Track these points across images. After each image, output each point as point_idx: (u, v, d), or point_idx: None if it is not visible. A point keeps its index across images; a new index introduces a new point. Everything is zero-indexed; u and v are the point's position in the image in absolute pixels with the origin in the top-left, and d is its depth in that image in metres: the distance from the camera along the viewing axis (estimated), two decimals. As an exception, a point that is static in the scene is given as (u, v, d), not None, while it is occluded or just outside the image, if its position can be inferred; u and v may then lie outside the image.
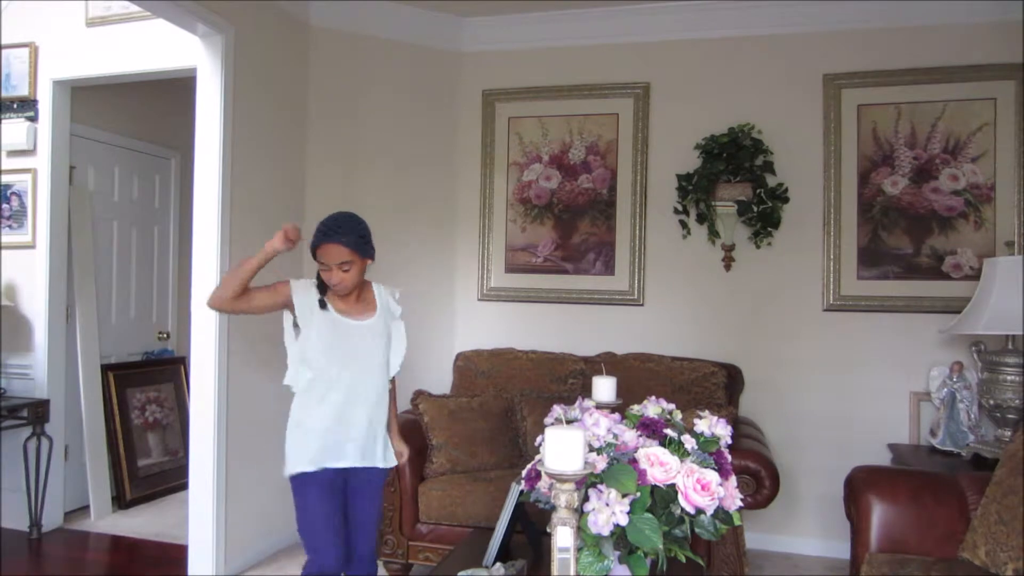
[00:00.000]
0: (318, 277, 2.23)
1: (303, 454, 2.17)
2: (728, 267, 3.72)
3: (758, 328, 3.71)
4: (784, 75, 3.70)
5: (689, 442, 1.69)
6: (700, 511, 1.58)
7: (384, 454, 2.31)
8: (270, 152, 3.52)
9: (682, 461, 1.61)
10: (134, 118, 4.55)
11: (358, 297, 2.27)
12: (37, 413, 3.63)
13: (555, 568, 1.47)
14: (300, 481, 2.17)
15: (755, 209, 3.58)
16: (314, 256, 2.17)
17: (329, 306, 2.21)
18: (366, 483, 2.27)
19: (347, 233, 2.13)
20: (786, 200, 3.61)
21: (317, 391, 2.19)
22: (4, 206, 3.88)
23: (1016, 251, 3.35)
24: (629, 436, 1.68)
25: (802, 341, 3.66)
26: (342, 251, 2.13)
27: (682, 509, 1.57)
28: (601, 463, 1.58)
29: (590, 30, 3.91)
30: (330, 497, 2.18)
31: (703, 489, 1.56)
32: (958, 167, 3.49)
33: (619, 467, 1.56)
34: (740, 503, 1.68)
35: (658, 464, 1.58)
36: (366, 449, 2.24)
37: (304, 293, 2.21)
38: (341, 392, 2.19)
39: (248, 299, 2.17)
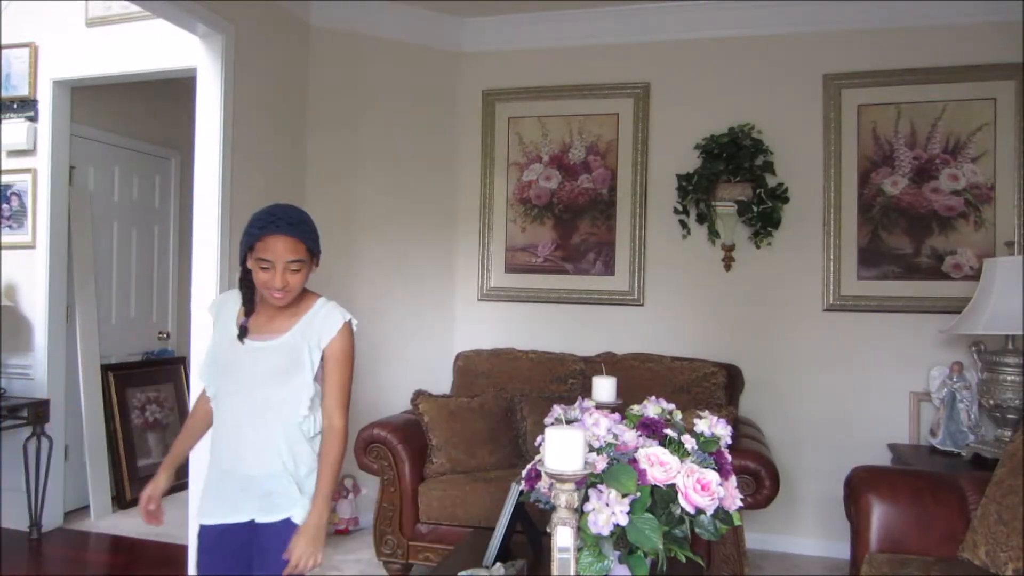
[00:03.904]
0: (243, 285, 1.80)
1: (202, 500, 1.82)
2: (728, 267, 3.72)
3: (758, 328, 3.71)
4: (784, 75, 3.70)
5: (689, 442, 1.69)
6: (700, 511, 1.58)
7: (306, 505, 1.76)
8: (270, 152, 3.53)
9: (682, 461, 1.61)
10: (134, 118, 4.55)
11: (287, 308, 1.80)
12: (37, 413, 3.63)
13: (555, 568, 1.47)
14: (198, 536, 1.81)
15: (755, 209, 3.58)
16: (246, 256, 1.75)
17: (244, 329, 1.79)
18: (273, 542, 1.71)
19: (299, 224, 1.72)
20: (786, 200, 3.61)
21: (215, 417, 1.82)
22: (4, 206, 3.88)
23: (1016, 251, 3.35)
24: (629, 436, 1.68)
25: (802, 341, 3.66)
26: (296, 246, 1.70)
27: (682, 509, 1.57)
28: (601, 463, 1.58)
29: (590, 30, 3.92)
30: (223, 560, 1.78)
31: (703, 489, 1.56)
32: (958, 167, 3.49)
33: (619, 467, 1.56)
34: (740, 503, 1.68)
35: (658, 464, 1.58)
36: (269, 501, 1.74)
37: (224, 302, 1.88)
38: (232, 424, 1.77)
39: None
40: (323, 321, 1.78)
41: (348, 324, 1.80)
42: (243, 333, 1.77)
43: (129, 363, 4.44)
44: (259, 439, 1.74)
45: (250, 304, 1.80)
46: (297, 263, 1.71)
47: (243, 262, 1.78)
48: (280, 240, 1.68)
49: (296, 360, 1.75)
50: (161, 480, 1.84)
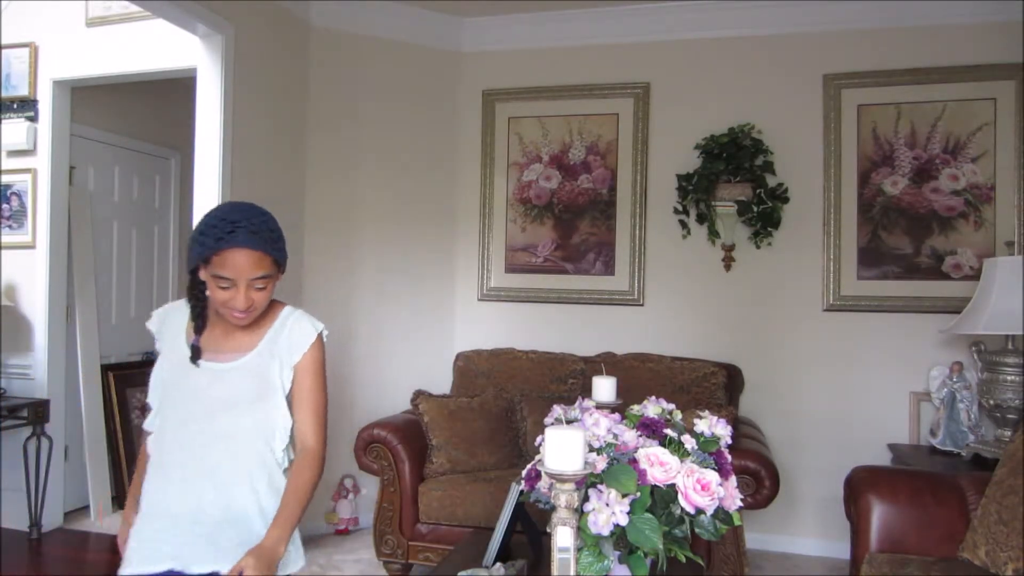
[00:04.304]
0: (192, 297, 1.54)
1: (132, 549, 1.49)
2: (728, 267, 3.73)
3: (758, 328, 3.71)
4: (784, 75, 3.70)
5: (689, 442, 1.69)
6: (700, 511, 1.58)
7: (297, 555, 1.57)
8: (270, 152, 3.53)
9: (682, 461, 1.61)
10: (134, 118, 4.55)
11: (248, 325, 1.55)
12: (37, 413, 3.63)
13: (555, 568, 1.47)
14: None
15: (755, 209, 3.58)
16: (197, 269, 1.48)
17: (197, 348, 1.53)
18: None
19: (264, 232, 1.45)
20: (786, 200, 3.61)
21: (158, 450, 1.54)
22: (4, 206, 3.88)
23: (1016, 251, 3.35)
24: (629, 436, 1.68)
25: (802, 341, 3.66)
26: (261, 260, 1.44)
27: (682, 509, 1.57)
28: (601, 463, 1.58)
29: (590, 30, 3.92)
30: None
31: (703, 489, 1.56)
32: (958, 167, 3.49)
33: (619, 467, 1.56)
34: (740, 503, 1.68)
35: (658, 464, 1.58)
36: (228, 548, 1.46)
37: (168, 315, 1.62)
38: (187, 459, 1.49)
39: None
40: (291, 334, 1.56)
41: (320, 336, 1.59)
42: (196, 355, 1.51)
43: (129, 363, 4.44)
44: (226, 476, 1.48)
45: (201, 320, 1.54)
46: (263, 279, 1.46)
47: (193, 271, 1.49)
48: (242, 255, 1.41)
49: (265, 382, 1.53)
50: (132, 523, 1.55)
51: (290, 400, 1.56)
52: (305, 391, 1.56)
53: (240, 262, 1.42)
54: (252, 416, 1.52)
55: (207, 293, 1.50)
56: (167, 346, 1.59)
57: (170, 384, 1.55)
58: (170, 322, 1.61)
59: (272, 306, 1.60)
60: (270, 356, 1.55)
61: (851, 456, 3.20)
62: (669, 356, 3.59)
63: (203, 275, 1.47)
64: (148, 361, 4.59)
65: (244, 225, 1.42)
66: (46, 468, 3.65)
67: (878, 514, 2.26)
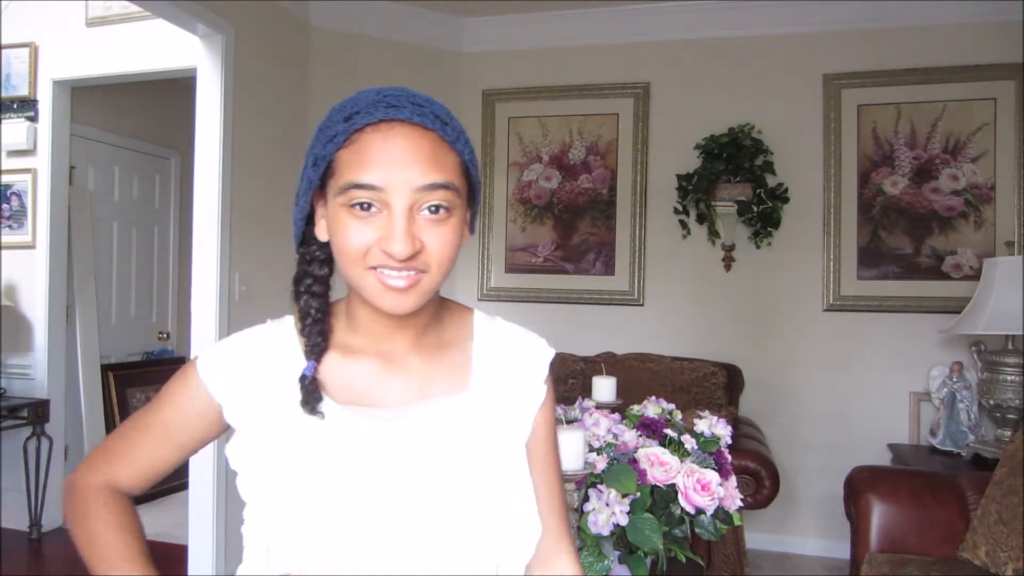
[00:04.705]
0: (306, 289, 0.85)
1: None
2: (728, 267, 3.73)
3: (758, 328, 3.71)
4: (784, 75, 3.70)
5: (689, 442, 1.69)
6: (700, 511, 1.58)
7: None
8: (270, 152, 3.52)
9: (682, 461, 1.61)
10: (134, 118, 4.55)
11: (424, 333, 0.88)
12: (37, 413, 3.63)
13: (555, 568, 1.47)
14: None
15: (755, 209, 3.58)
16: (311, 218, 0.84)
17: (322, 391, 0.81)
18: None
19: (441, 113, 0.78)
20: (786, 200, 3.61)
21: None
22: (4, 206, 3.88)
23: (1016, 251, 3.35)
24: (629, 436, 1.68)
25: (802, 341, 3.66)
26: (437, 153, 0.75)
27: (682, 509, 1.57)
28: (601, 463, 1.58)
29: (590, 30, 3.92)
30: None
31: (703, 489, 1.56)
32: (958, 167, 3.49)
33: (619, 467, 1.56)
34: (740, 503, 1.68)
35: (658, 464, 1.58)
36: None
37: (225, 359, 0.85)
38: None
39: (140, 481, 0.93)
40: (522, 356, 0.92)
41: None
42: (311, 396, 0.79)
43: (129, 363, 4.44)
44: None
45: (321, 333, 0.83)
46: (442, 191, 0.75)
47: (301, 240, 0.85)
48: (400, 134, 0.74)
49: (501, 441, 0.86)
50: None
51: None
52: (548, 468, 0.92)
53: (397, 148, 0.74)
54: (481, 511, 0.80)
55: (325, 273, 0.85)
56: (262, 419, 0.82)
57: (321, 494, 0.78)
58: (245, 375, 0.83)
59: (455, 310, 0.95)
60: (498, 394, 0.87)
61: (851, 456, 3.20)
62: (669, 356, 3.59)
63: (320, 227, 0.82)
64: (148, 361, 4.60)
65: (403, 95, 0.77)
66: (46, 468, 3.65)
67: (878, 514, 2.26)
